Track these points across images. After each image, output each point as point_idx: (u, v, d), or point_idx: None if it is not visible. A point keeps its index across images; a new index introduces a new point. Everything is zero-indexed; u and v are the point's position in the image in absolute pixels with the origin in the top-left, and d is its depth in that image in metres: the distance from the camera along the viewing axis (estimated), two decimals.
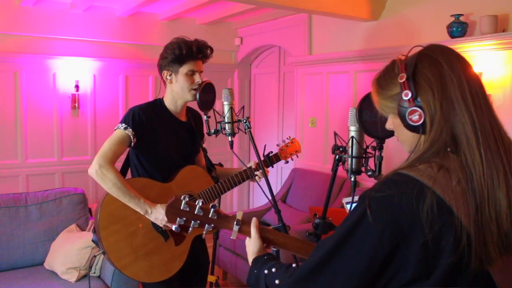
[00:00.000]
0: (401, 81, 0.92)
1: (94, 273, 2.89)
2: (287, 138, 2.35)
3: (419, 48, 0.97)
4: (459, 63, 0.92)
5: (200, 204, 1.20)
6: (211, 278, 2.45)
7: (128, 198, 1.90)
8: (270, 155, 2.28)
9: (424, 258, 0.85)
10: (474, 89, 0.90)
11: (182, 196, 1.20)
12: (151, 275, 1.99)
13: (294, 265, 1.06)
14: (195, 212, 1.19)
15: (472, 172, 0.86)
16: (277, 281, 1.03)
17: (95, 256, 2.69)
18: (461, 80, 0.90)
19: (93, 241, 1.99)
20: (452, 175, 0.86)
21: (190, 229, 1.21)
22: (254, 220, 1.22)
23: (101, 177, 1.89)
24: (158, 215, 1.92)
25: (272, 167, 2.30)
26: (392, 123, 1.01)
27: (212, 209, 1.20)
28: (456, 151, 0.89)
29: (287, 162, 2.34)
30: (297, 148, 2.34)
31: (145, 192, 1.96)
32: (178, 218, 1.19)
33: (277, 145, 2.34)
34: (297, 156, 2.41)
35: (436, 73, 0.91)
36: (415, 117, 0.92)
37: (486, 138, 0.87)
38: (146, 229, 1.99)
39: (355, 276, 0.88)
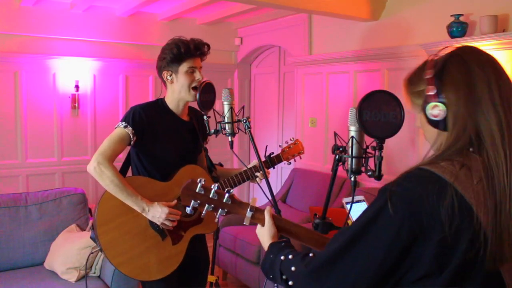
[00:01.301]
0: (427, 77, 0.94)
1: (94, 273, 2.89)
2: (290, 139, 2.33)
3: (451, 49, 0.98)
4: (491, 67, 0.93)
5: (216, 188, 1.21)
6: (211, 278, 2.45)
7: (126, 196, 1.91)
8: (272, 156, 2.27)
9: (440, 253, 0.85)
10: (505, 93, 0.90)
11: (199, 179, 1.20)
12: (147, 273, 2.00)
13: (311, 254, 1.06)
14: (210, 196, 1.20)
15: (494, 170, 0.86)
16: (293, 268, 1.04)
17: (92, 253, 2.68)
18: (490, 81, 0.90)
19: (91, 238, 2.00)
20: (473, 173, 0.87)
21: (203, 212, 1.22)
22: (268, 208, 1.24)
23: (99, 174, 1.90)
24: (155, 213, 1.93)
25: (274, 168, 2.29)
26: (419, 120, 1.02)
27: (227, 194, 1.21)
28: (479, 150, 0.89)
29: (289, 163, 2.33)
30: (301, 149, 2.32)
31: (143, 191, 1.97)
32: (192, 201, 1.19)
33: (280, 145, 2.33)
34: (300, 158, 2.38)
35: (464, 72, 0.92)
36: (435, 111, 0.93)
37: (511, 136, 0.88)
38: (144, 227, 1.99)
39: (371, 268, 0.89)
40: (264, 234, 1.21)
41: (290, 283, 1.05)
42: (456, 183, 0.85)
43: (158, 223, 1.96)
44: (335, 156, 1.55)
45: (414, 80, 1.01)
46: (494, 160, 0.87)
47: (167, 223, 1.95)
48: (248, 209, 1.22)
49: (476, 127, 0.90)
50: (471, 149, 0.90)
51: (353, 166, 1.51)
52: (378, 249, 0.88)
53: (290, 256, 1.08)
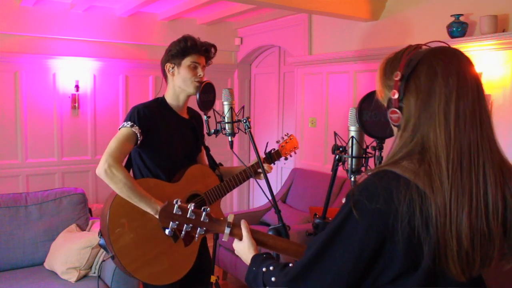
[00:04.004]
0: (396, 79, 0.94)
1: (94, 273, 2.89)
2: (285, 135, 2.38)
3: (436, 44, 0.97)
4: (459, 78, 0.90)
5: (192, 207, 1.22)
6: (211, 278, 2.45)
7: (139, 198, 1.86)
8: (272, 152, 2.30)
9: (409, 251, 0.87)
10: (464, 110, 0.88)
11: (175, 200, 1.21)
12: (163, 277, 1.97)
13: (290, 264, 1.09)
14: (188, 216, 1.21)
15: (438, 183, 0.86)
16: (273, 279, 1.07)
17: (104, 261, 2.64)
18: (450, 95, 0.88)
19: (100, 245, 1.95)
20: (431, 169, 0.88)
21: (182, 232, 1.22)
22: (243, 222, 1.25)
23: (111, 177, 1.84)
24: None
25: (274, 164, 2.32)
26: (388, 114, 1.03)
27: (204, 213, 1.22)
28: (423, 160, 0.88)
29: (286, 158, 2.37)
30: (296, 144, 2.38)
31: (154, 193, 1.93)
32: (171, 222, 1.20)
33: (277, 141, 2.36)
34: (295, 153, 2.44)
35: (429, 79, 0.91)
36: (394, 116, 0.96)
37: (460, 156, 0.86)
38: (156, 231, 1.95)
39: (345, 272, 0.91)
40: (244, 247, 1.23)
41: None
42: (417, 180, 0.86)
43: None
44: (335, 156, 1.56)
45: (388, 70, 0.99)
46: (438, 175, 0.86)
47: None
48: (226, 226, 1.23)
49: (424, 139, 0.89)
50: (417, 157, 0.89)
51: (353, 166, 1.51)
52: (349, 254, 0.90)
53: (271, 268, 1.10)
